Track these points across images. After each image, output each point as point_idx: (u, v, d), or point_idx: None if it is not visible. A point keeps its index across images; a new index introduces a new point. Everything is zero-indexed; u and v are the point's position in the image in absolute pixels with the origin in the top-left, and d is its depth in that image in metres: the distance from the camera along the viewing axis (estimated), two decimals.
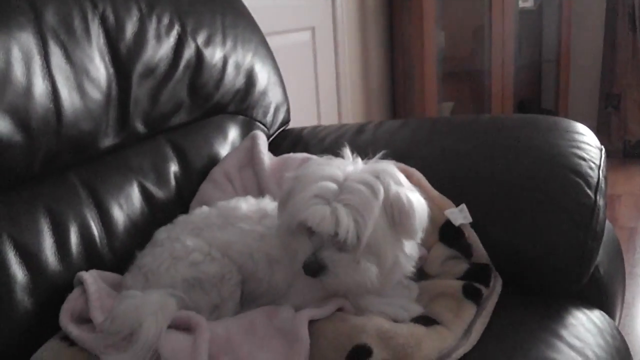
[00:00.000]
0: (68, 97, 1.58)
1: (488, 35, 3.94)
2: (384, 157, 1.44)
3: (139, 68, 1.74)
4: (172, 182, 1.80)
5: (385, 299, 1.46)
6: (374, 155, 1.45)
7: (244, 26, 2.03)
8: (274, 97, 2.10)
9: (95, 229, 1.60)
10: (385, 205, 1.36)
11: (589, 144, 1.68)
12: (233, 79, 1.96)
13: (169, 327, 1.34)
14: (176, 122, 1.84)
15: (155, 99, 1.77)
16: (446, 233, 1.58)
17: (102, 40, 1.67)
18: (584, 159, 1.62)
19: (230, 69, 1.96)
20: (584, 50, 4.40)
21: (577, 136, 1.70)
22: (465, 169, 1.71)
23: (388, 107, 4.07)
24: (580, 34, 4.35)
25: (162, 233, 1.59)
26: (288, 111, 2.17)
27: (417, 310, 1.45)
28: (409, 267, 1.46)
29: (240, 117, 2.00)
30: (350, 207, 1.33)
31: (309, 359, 1.30)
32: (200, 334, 1.31)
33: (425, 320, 1.40)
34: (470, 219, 1.58)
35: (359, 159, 1.45)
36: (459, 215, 1.58)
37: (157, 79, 1.78)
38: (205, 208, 1.64)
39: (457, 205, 1.61)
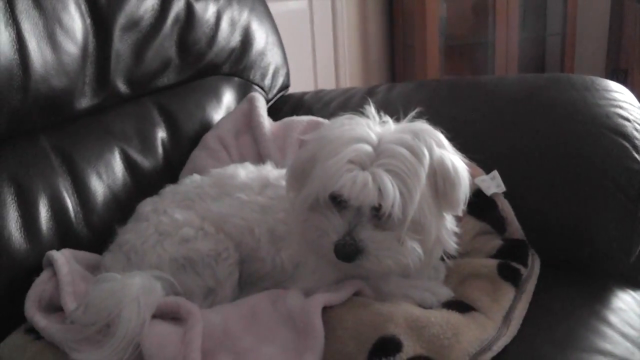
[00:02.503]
0: (37, 47, 1.30)
1: (492, 7, 3.65)
2: (417, 117, 1.17)
3: (120, 20, 1.45)
4: (159, 149, 1.51)
5: (409, 281, 1.18)
6: (400, 115, 1.17)
7: None
8: (273, 58, 1.81)
9: (69, 201, 1.32)
10: (430, 171, 1.10)
11: (631, 104, 1.41)
12: (228, 36, 1.67)
13: (154, 316, 1.07)
14: (164, 82, 1.55)
15: (139, 56, 1.48)
16: (476, 204, 1.30)
17: None
18: (629, 120, 1.35)
19: (224, 25, 1.66)
20: (590, 24, 4.11)
21: (617, 95, 1.42)
22: (493, 134, 1.43)
23: (387, 80, 3.78)
24: (586, 7, 4.06)
25: (146, 205, 1.31)
26: (287, 75, 1.88)
27: (446, 294, 1.17)
28: (452, 245, 1.19)
29: (236, 79, 1.71)
30: (393, 174, 1.05)
31: (325, 354, 1.03)
32: (193, 325, 1.04)
33: (459, 306, 1.13)
34: (503, 188, 1.31)
35: (389, 118, 1.17)
36: (492, 184, 1.30)
37: (142, 33, 1.50)
38: (196, 177, 1.36)
39: (487, 173, 1.33)
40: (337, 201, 1.08)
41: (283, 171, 1.29)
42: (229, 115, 1.61)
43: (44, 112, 1.32)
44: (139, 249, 1.21)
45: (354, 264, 1.07)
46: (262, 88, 1.74)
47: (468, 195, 1.16)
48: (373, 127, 1.12)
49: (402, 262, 1.09)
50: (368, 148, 1.08)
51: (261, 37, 1.75)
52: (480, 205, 1.31)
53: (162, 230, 1.22)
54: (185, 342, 1.01)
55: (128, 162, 1.44)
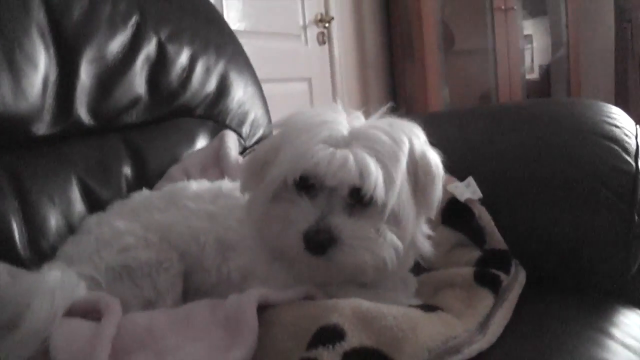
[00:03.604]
0: None
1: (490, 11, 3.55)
2: (389, 111, 1.05)
3: (87, 52, 1.39)
4: (123, 184, 1.40)
5: (373, 291, 1.01)
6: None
7: (218, 32, 1.69)
8: (252, 107, 1.71)
9: (14, 223, 1.20)
10: (410, 163, 0.98)
11: (620, 114, 1.27)
12: (202, 81, 1.60)
13: (72, 314, 0.92)
14: (132, 119, 1.47)
15: (106, 90, 1.41)
16: (451, 214, 1.15)
17: (42, 14, 1.33)
18: (617, 126, 1.21)
19: (199, 69, 1.60)
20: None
21: (604, 107, 1.29)
22: (472, 142, 1.30)
23: (388, 94, 3.56)
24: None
25: (92, 219, 1.20)
26: (271, 130, 1.78)
27: (415, 303, 1.01)
28: (427, 247, 1.04)
29: (211, 122, 1.61)
30: (374, 153, 0.93)
31: (260, 353, 0.86)
32: (108, 317, 0.88)
33: (425, 307, 0.96)
34: (479, 194, 1.16)
35: (359, 113, 1.05)
36: (466, 190, 1.15)
37: (109, 68, 1.42)
38: (146, 191, 1.24)
39: (461, 180, 1.19)
40: (305, 186, 0.95)
41: (239, 183, 1.18)
42: (198, 150, 1.51)
43: None
44: (76, 259, 1.08)
45: (325, 258, 0.92)
46: (239, 134, 1.65)
47: (440, 198, 1.03)
48: (344, 116, 1.01)
49: (379, 255, 0.94)
50: (342, 130, 0.96)
51: (239, 85, 1.67)
52: (455, 215, 1.16)
53: (102, 239, 1.10)
54: (95, 335, 0.85)
55: (87, 193, 1.33)
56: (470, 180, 1.17)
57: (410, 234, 0.99)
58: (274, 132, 1.07)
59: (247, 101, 1.70)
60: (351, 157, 0.91)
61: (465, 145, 1.29)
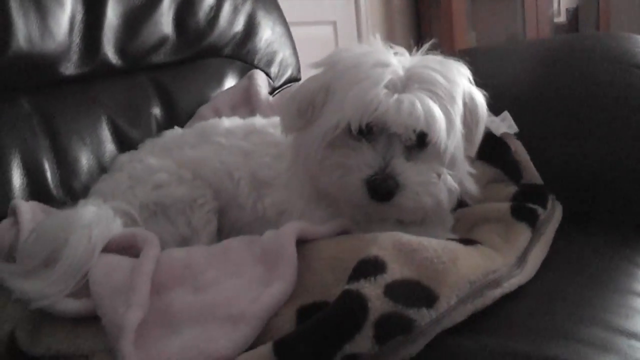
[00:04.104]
0: (19, 6, 1.21)
1: None
2: (432, 48, 1.02)
3: None
4: (153, 124, 1.39)
5: (410, 228, 0.99)
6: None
7: None
8: (280, 47, 1.68)
9: (46, 163, 1.19)
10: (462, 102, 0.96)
11: None
12: (230, 20, 1.56)
13: (110, 250, 0.91)
14: (160, 59, 1.44)
15: (134, 29, 1.39)
16: (486, 149, 1.11)
17: None
18: None
19: (226, 8, 1.56)
20: None
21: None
22: (506, 77, 1.26)
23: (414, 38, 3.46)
24: None
25: (124, 156, 1.19)
26: (298, 69, 1.74)
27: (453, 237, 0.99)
28: (472, 185, 1.03)
29: (239, 62, 1.59)
30: (436, 96, 0.91)
31: (300, 287, 0.85)
32: (146, 252, 0.87)
33: (463, 241, 0.94)
34: (515, 129, 1.13)
35: (402, 49, 1.02)
36: (502, 125, 1.12)
37: (136, 7, 1.40)
38: (178, 129, 1.23)
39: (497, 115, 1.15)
40: (365, 133, 0.92)
41: (272, 119, 1.15)
42: (228, 89, 1.49)
43: (26, 73, 1.22)
44: (109, 196, 1.07)
45: (389, 204, 0.90)
46: (267, 74, 1.62)
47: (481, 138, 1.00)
48: (390, 55, 0.97)
49: (439, 198, 0.93)
50: (399, 72, 0.93)
51: (267, 25, 1.64)
52: (491, 149, 1.12)
53: (134, 176, 1.09)
54: (134, 269, 0.84)
55: (117, 133, 1.32)
56: (506, 114, 1.13)
57: (461, 174, 0.98)
58: (316, 71, 1.02)
59: (275, 41, 1.66)
60: (418, 104, 0.89)
61: (499, 80, 1.24)
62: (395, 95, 0.90)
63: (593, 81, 1.15)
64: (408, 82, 0.92)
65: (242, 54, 1.60)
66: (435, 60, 0.97)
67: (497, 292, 0.84)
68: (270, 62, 1.65)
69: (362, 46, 0.99)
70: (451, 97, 0.93)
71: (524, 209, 1.02)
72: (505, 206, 1.03)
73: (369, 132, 0.92)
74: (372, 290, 0.76)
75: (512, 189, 1.10)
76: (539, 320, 0.83)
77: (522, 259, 0.93)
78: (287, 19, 1.78)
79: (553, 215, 1.04)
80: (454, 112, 0.93)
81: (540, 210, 1.02)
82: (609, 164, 1.11)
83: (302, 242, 0.91)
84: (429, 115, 0.89)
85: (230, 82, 1.55)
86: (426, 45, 1.01)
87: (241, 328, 0.78)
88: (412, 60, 0.97)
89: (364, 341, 0.73)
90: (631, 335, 0.81)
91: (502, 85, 1.23)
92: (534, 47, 1.39)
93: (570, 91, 1.17)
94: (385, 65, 0.93)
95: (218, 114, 1.37)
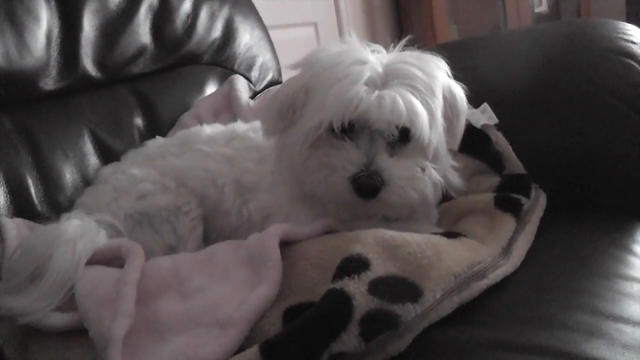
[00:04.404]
0: None
1: None
2: (409, 44, 1.02)
3: (89, 4, 1.36)
4: (135, 134, 1.38)
5: (395, 224, 0.99)
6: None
7: None
8: (260, 52, 1.68)
9: (29, 178, 1.19)
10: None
11: (637, 32, 1.22)
12: (207, 27, 1.56)
13: (95, 262, 0.91)
14: (140, 69, 1.44)
15: (111, 41, 1.38)
16: (468, 142, 1.11)
17: None
18: (634, 42, 1.16)
19: (203, 15, 1.56)
20: None
21: (618, 25, 1.24)
22: (485, 69, 1.26)
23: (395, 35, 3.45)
24: None
25: (107, 169, 1.18)
26: (279, 72, 1.73)
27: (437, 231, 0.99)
28: (456, 179, 1.03)
29: (219, 68, 1.58)
30: (416, 91, 0.91)
31: (286, 288, 0.84)
32: (131, 262, 0.87)
33: (447, 234, 0.94)
34: (495, 120, 1.13)
35: (379, 46, 1.01)
36: (482, 116, 1.12)
37: (113, 18, 1.39)
38: (160, 138, 1.22)
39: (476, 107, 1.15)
40: (347, 131, 0.92)
41: (253, 124, 1.15)
42: (208, 96, 1.48)
43: (5, 90, 1.21)
44: (94, 210, 1.06)
45: (374, 200, 0.90)
46: (248, 79, 1.61)
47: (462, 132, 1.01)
48: (367, 52, 0.97)
49: (424, 192, 0.93)
50: (378, 69, 0.93)
51: (245, 29, 1.64)
52: (472, 142, 1.12)
53: (118, 187, 1.08)
54: (119, 279, 0.84)
55: (99, 144, 1.31)
56: (486, 106, 1.13)
57: (444, 168, 0.98)
58: (295, 73, 1.02)
59: (254, 45, 1.66)
60: (399, 99, 0.89)
61: (478, 72, 1.24)
62: (376, 92, 0.90)
63: (574, 69, 1.16)
64: (387, 79, 0.92)
65: (222, 60, 1.60)
66: (413, 56, 0.97)
67: (483, 284, 0.84)
68: (250, 67, 1.65)
69: (340, 45, 0.99)
70: (431, 91, 0.93)
71: (507, 200, 1.02)
72: (489, 197, 1.03)
73: (351, 130, 0.92)
74: (356, 287, 0.76)
75: (495, 180, 1.10)
76: (525, 309, 0.83)
77: (507, 249, 0.93)
78: (268, 22, 1.78)
79: (537, 204, 1.04)
80: (434, 106, 0.93)
81: (523, 199, 1.02)
82: (593, 150, 1.11)
83: (286, 244, 0.91)
84: (411, 111, 0.89)
85: (211, 88, 1.55)
86: (403, 41, 1.01)
87: (229, 332, 0.78)
88: (389, 57, 0.97)
89: (350, 339, 0.73)
90: (618, 319, 0.81)
91: (482, 77, 1.23)
92: (513, 37, 1.40)
93: (551, 80, 1.17)
94: (364, 62, 0.93)
95: (200, 121, 1.37)
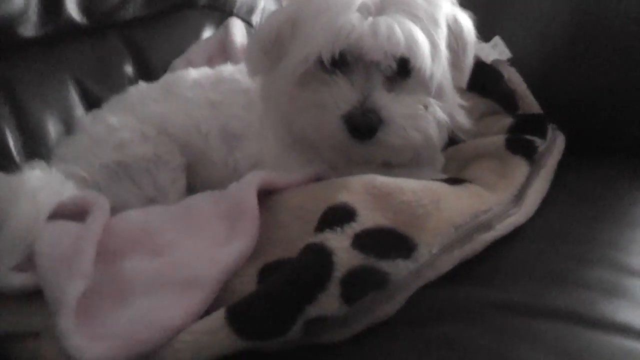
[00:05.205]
0: None
1: None
2: None
3: None
4: (126, 83, 1.25)
5: (396, 170, 0.86)
6: None
7: None
8: None
9: (8, 133, 1.08)
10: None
11: None
12: None
13: (60, 216, 0.80)
14: (130, 14, 1.31)
15: None
16: (477, 79, 0.97)
17: None
18: None
19: None
20: None
21: None
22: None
23: None
24: None
25: (87, 117, 1.08)
26: None
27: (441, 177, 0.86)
28: (463, 118, 0.90)
29: (217, 12, 1.44)
30: (416, 18, 0.78)
31: (266, 242, 0.73)
32: (94, 215, 0.77)
33: (451, 180, 0.81)
34: (508, 54, 0.99)
35: None
36: (492, 51, 0.98)
37: None
38: (143, 84, 1.11)
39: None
40: (339, 63, 0.79)
41: (241, 65, 1.03)
42: (202, 41, 1.35)
43: None
44: (69, 160, 0.96)
45: (371, 142, 0.78)
46: (249, 24, 1.48)
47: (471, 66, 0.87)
48: None
49: (428, 132, 0.81)
50: None
51: None
52: (483, 79, 0.99)
53: (95, 137, 0.98)
54: (80, 236, 0.74)
55: (85, 94, 1.19)
56: (497, 39, 0.99)
57: (450, 106, 0.86)
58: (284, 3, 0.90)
59: None
60: (396, 26, 0.76)
61: (491, 2, 1.10)
62: (370, 19, 0.77)
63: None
64: (383, 5, 0.79)
65: (220, 3, 1.45)
66: None
67: (489, 236, 0.73)
68: (251, 11, 1.50)
69: None
70: (433, 19, 0.80)
71: (520, 141, 0.89)
72: (500, 139, 0.90)
73: (343, 63, 0.79)
74: (338, 242, 0.65)
75: (507, 120, 0.97)
76: (537, 264, 0.72)
77: (519, 197, 0.80)
78: None
79: (554, 146, 0.91)
80: (437, 35, 0.80)
81: (538, 141, 0.89)
82: (618, 87, 0.96)
83: (269, 194, 0.79)
84: (410, 38, 0.76)
85: (208, 34, 1.41)
86: None
87: (194, 294, 0.67)
88: None
89: (329, 301, 0.62)
90: None
91: (492, 6, 1.09)
92: None
93: (570, 11, 1.02)
94: None
95: (192, 66, 1.23)
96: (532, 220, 0.79)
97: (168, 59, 1.33)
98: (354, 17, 0.77)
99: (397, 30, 0.76)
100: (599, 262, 0.71)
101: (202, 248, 0.74)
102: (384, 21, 0.76)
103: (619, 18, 0.96)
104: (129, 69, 1.29)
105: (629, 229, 0.77)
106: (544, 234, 0.77)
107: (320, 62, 0.79)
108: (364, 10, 0.78)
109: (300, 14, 0.83)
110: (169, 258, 0.73)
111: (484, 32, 0.96)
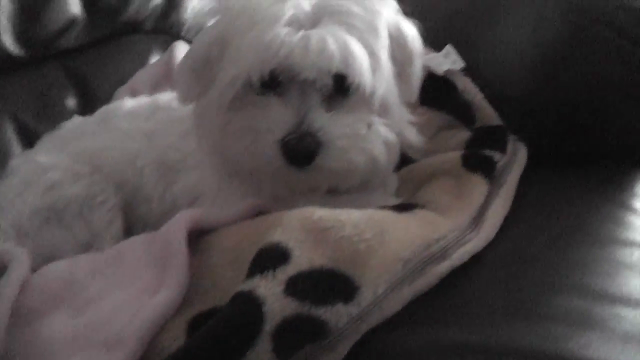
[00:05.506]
0: None
1: None
2: None
3: None
4: (67, 116, 1.17)
5: (344, 197, 0.80)
6: None
7: None
8: None
9: None
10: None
11: None
12: None
13: None
14: (71, 42, 1.24)
15: (33, 13, 1.18)
16: (431, 92, 0.90)
17: None
18: None
19: None
20: None
21: None
22: (451, 3, 1.04)
23: None
24: None
25: (18, 158, 1.00)
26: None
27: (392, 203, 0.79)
28: (414, 135, 0.83)
29: (164, 36, 1.38)
30: (353, 29, 0.72)
31: (197, 287, 0.66)
32: (9, 272, 0.69)
33: (400, 207, 0.74)
34: (462, 64, 0.92)
35: None
36: (444, 61, 0.91)
37: None
38: (78, 118, 1.04)
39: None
40: (271, 84, 0.73)
41: None
42: (148, 66, 1.29)
43: None
44: (1, 207, 0.89)
45: (311, 167, 0.71)
46: None
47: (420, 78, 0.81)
48: None
49: (373, 153, 0.74)
50: (304, 6, 0.73)
51: None
52: (435, 91, 0.92)
53: (25, 179, 0.90)
54: None
55: (22, 130, 1.13)
56: (449, 48, 0.92)
57: (397, 123, 0.79)
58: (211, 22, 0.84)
59: (204, 8, 1.44)
60: (330, 39, 0.69)
61: (443, 8, 1.03)
62: (301, 32, 0.70)
63: None
64: (317, 17, 0.73)
65: (166, 27, 1.39)
66: None
67: (444, 266, 0.65)
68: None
69: None
70: (372, 28, 0.74)
71: (477, 157, 0.82)
72: (456, 156, 0.83)
73: (276, 83, 0.73)
74: (269, 288, 0.58)
75: (464, 135, 0.89)
76: (499, 296, 0.64)
77: (477, 219, 0.73)
78: None
79: (515, 160, 0.84)
80: (377, 46, 0.73)
81: (497, 156, 0.82)
82: (583, 90, 0.89)
83: (203, 234, 0.72)
84: (346, 52, 0.70)
85: (155, 59, 1.35)
86: None
87: (117, 354, 0.59)
88: None
89: (260, 357, 0.54)
90: (616, 299, 0.63)
91: (445, 14, 1.02)
92: None
93: (529, 11, 0.95)
94: (285, 0, 0.73)
95: (136, 94, 1.17)
96: (492, 244, 0.72)
97: (113, 87, 1.27)
98: (283, 31, 0.70)
99: (331, 43, 0.69)
100: (566, 288, 0.64)
101: (128, 301, 0.66)
102: (315, 34, 0.70)
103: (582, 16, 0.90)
104: (71, 102, 1.22)
105: (597, 248, 0.70)
106: (505, 260, 0.69)
107: (251, 83, 0.73)
108: (295, 24, 0.72)
109: (229, 31, 0.76)
110: (93, 315, 0.66)
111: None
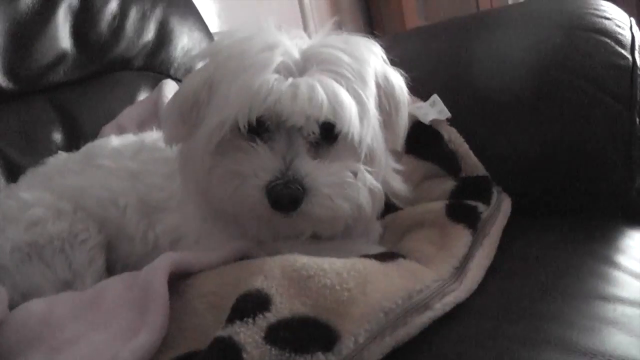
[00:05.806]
0: None
1: None
2: (336, 27, 0.83)
3: None
4: (53, 152, 1.17)
5: (327, 243, 0.80)
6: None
7: None
8: None
9: None
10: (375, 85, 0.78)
11: (610, 7, 1.02)
12: (138, 28, 1.37)
13: None
14: (60, 77, 1.25)
15: (23, 47, 1.19)
16: (416, 141, 0.92)
17: None
18: (607, 18, 0.97)
19: (133, 16, 1.36)
20: None
21: (591, 1, 1.04)
22: (438, 56, 1.07)
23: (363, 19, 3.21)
24: None
25: (1, 193, 1.00)
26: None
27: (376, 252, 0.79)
28: (400, 187, 0.84)
29: (153, 74, 1.39)
30: (341, 78, 0.73)
31: (176, 332, 0.65)
32: None
33: (383, 256, 0.74)
34: (447, 114, 0.93)
35: (300, 31, 0.82)
36: (431, 110, 0.93)
37: (25, 21, 1.20)
38: (63, 154, 1.03)
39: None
40: (258, 129, 0.74)
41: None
42: (135, 104, 1.29)
43: None
44: None
45: (296, 213, 0.71)
46: None
47: (406, 127, 0.82)
48: (285, 36, 0.78)
49: (358, 201, 0.74)
50: (293, 54, 0.74)
51: (182, 31, 1.44)
52: (421, 141, 0.93)
53: (7, 215, 0.90)
54: None
55: (6, 165, 1.12)
56: (436, 98, 0.94)
57: (383, 171, 0.79)
58: (200, 64, 0.84)
59: (194, 48, 1.46)
60: (319, 87, 0.70)
61: (430, 61, 1.05)
62: (290, 79, 0.71)
63: (540, 54, 0.96)
64: (305, 65, 0.74)
65: (156, 64, 1.40)
66: (339, 39, 0.78)
67: (426, 317, 0.65)
68: (188, 72, 1.45)
69: (247, 29, 0.80)
70: (361, 77, 0.75)
71: (461, 208, 0.83)
72: (440, 206, 0.84)
73: (263, 129, 0.73)
74: (249, 335, 0.57)
75: (449, 184, 0.91)
76: (479, 349, 0.64)
77: (460, 270, 0.74)
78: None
79: (499, 211, 0.85)
80: (365, 96, 0.74)
81: (481, 207, 0.83)
82: (564, 143, 0.91)
83: (184, 277, 0.72)
84: (334, 100, 0.70)
85: (143, 96, 1.35)
86: (328, 25, 0.82)
87: None
88: (310, 42, 0.78)
89: None
90: (596, 355, 0.62)
91: (431, 65, 1.04)
92: (470, 20, 1.20)
93: (515, 66, 0.96)
94: (275, 47, 0.74)
95: (122, 131, 1.17)
96: (474, 295, 0.72)
97: (101, 124, 1.27)
98: (272, 78, 0.71)
99: (320, 92, 0.70)
100: (545, 343, 0.64)
101: (107, 343, 0.65)
102: (304, 82, 0.71)
103: (560, 70, 0.92)
104: (57, 137, 1.22)
105: (578, 301, 0.70)
106: (486, 312, 0.70)
107: (238, 128, 0.73)
108: (284, 71, 0.73)
109: (217, 75, 0.77)
110: (70, 356, 0.65)
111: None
